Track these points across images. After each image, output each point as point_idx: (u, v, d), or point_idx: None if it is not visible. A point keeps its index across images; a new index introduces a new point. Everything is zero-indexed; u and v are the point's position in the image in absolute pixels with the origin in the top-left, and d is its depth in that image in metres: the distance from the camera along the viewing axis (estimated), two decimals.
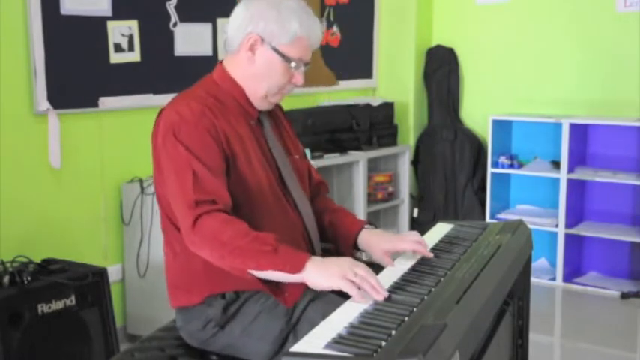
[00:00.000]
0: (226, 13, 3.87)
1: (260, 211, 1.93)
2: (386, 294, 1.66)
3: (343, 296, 1.71)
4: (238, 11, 2.00)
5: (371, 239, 2.07)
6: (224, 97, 1.99)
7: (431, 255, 1.97)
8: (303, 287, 1.83)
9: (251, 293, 1.92)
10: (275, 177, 2.01)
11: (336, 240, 2.14)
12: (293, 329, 1.86)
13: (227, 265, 1.79)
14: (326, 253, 2.08)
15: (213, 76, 2.05)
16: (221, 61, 2.07)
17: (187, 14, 3.73)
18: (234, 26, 2.00)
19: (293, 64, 1.96)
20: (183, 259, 1.95)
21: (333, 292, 1.94)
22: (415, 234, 2.04)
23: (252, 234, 1.77)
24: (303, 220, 2.05)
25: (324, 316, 1.58)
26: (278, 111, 2.18)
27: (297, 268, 1.75)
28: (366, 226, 2.12)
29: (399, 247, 2.01)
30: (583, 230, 4.53)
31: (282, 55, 1.95)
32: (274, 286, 1.86)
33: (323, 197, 2.25)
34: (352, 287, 1.68)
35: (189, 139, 1.86)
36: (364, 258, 2.04)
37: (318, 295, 1.87)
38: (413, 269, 1.88)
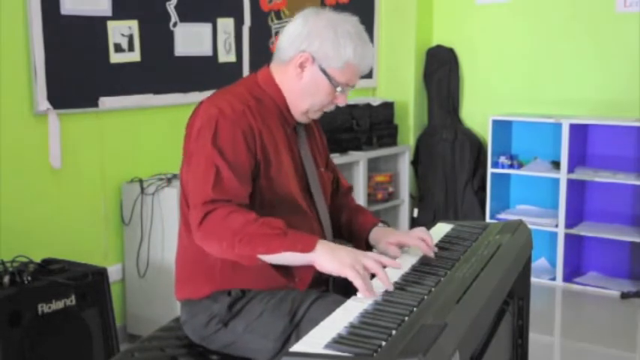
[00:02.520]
0: (226, 13, 3.96)
1: (286, 216, 1.93)
2: (391, 287, 1.68)
3: (347, 297, 1.71)
4: (296, 23, 2.00)
5: (379, 234, 2.13)
6: (266, 100, 2.01)
7: (432, 254, 1.98)
8: (313, 271, 1.84)
9: (257, 292, 1.94)
10: (302, 186, 2.04)
11: (351, 237, 2.19)
12: (296, 328, 1.87)
13: (236, 254, 1.79)
14: None
15: (258, 78, 2.06)
16: (268, 65, 2.08)
17: (187, 14, 3.73)
18: (289, 37, 1.99)
19: (339, 88, 1.99)
20: (196, 250, 1.95)
21: (337, 292, 1.96)
22: (422, 230, 2.06)
23: (261, 219, 1.79)
24: (324, 232, 2.08)
25: (327, 315, 1.59)
26: (313, 123, 2.19)
27: (309, 247, 1.75)
28: (379, 224, 2.17)
29: (403, 241, 2.04)
30: (583, 230, 4.53)
31: (330, 79, 1.97)
32: (285, 272, 1.86)
33: (345, 195, 2.29)
34: (358, 278, 1.68)
35: (223, 135, 1.88)
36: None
37: (321, 295, 1.89)
38: (413, 269, 1.88)
